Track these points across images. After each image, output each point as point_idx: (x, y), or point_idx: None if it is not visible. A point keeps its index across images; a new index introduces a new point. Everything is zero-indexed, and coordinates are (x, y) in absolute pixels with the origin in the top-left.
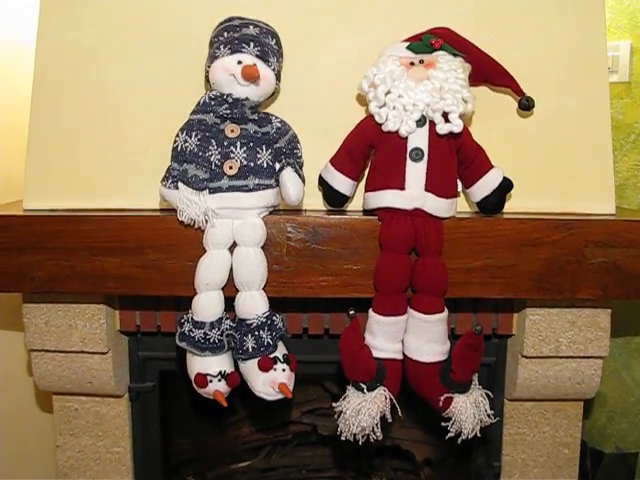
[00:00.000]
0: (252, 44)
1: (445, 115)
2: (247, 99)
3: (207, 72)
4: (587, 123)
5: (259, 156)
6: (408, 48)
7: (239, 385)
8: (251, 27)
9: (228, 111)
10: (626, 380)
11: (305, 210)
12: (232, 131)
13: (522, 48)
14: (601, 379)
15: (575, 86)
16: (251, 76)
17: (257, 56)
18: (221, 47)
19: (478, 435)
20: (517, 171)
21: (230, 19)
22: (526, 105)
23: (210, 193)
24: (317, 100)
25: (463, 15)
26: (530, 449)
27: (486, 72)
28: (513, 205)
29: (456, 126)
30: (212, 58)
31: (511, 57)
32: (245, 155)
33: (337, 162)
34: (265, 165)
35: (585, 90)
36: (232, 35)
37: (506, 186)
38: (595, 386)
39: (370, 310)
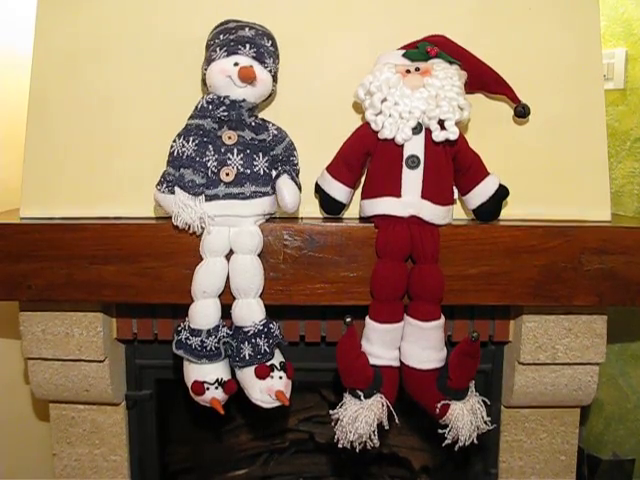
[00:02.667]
0: (248, 46)
1: (441, 122)
2: (244, 101)
3: (204, 75)
4: (583, 130)
5: (255, 163)
6: (404, 56)
7: (236, 393)
8: (247, 29)
9: (226, 113)
10: (623, 387)
11: (301, 218)
12: (229, 138)
13: (518, 56)
14: (598, 386)
15: (571, 93)
16: (248, 77)
17: (253, 57)
18: (217, 49)
19: (475, 442)
20: (513, 178)
21: (226, 22)
22: (522, 112)
23: (207, 200)
24: (313, 107)
25: (459, 23)
26: (527, 456)
27: (482, 80)
28: (509, 212)
29: (452, 133)
30: (208, 61)
31: (507, 65)
32: (242, 162)
33: (333, 169)
34: (262, 172)
35: (581, 97)
36: (228, 37)
37: (502, 193)
38: (592, 393)
39: (367, 317)
